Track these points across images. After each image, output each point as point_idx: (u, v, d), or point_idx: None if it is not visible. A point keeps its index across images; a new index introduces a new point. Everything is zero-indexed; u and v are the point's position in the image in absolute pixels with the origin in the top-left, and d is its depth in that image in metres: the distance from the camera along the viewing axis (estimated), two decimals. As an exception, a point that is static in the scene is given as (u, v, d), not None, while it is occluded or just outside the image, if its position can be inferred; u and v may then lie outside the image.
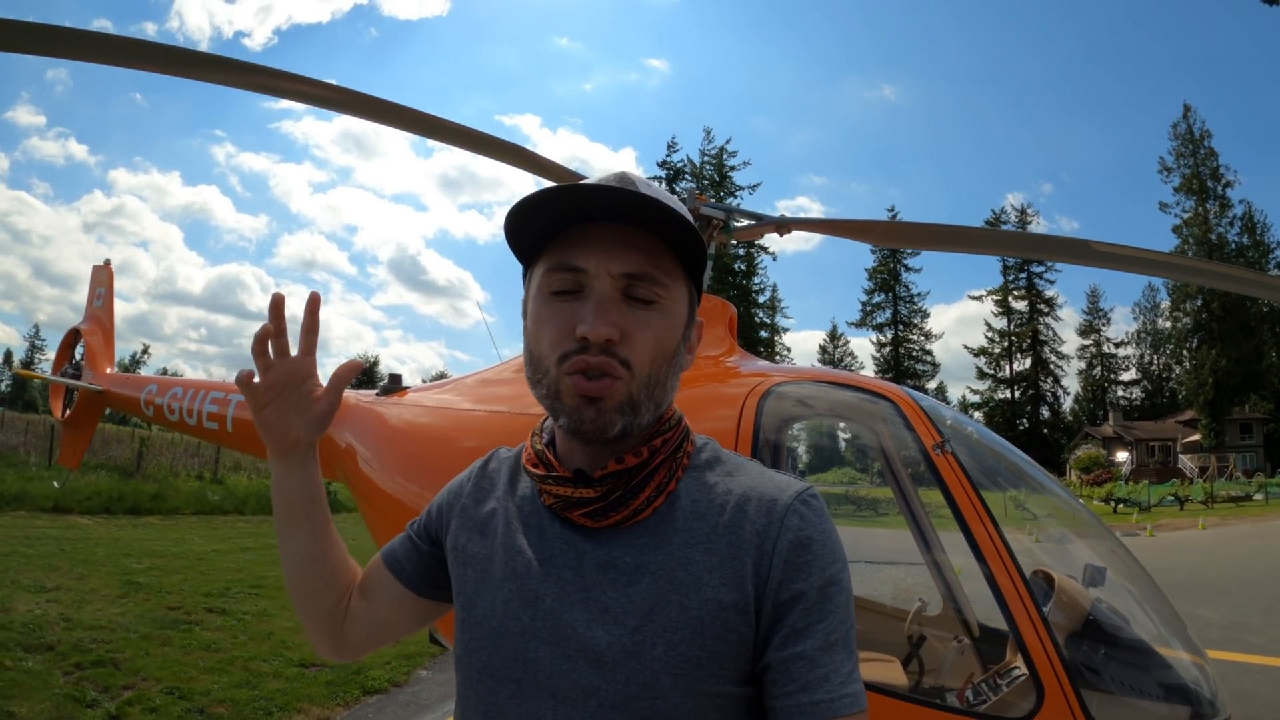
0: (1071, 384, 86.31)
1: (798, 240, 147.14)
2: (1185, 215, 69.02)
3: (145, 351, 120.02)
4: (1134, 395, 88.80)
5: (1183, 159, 69.63)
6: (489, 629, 1.07)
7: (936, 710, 2.57)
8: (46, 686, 5.69)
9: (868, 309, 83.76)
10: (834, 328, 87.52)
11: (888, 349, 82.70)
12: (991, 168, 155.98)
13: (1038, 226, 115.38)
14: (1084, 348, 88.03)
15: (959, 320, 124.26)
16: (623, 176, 1.07)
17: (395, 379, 4.10)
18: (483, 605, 1.09)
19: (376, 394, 4.09)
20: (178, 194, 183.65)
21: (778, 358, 74.38)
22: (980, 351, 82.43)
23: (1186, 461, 63.41)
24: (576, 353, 1.02)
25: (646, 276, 1.04)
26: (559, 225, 1.05)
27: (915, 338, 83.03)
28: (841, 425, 3.68)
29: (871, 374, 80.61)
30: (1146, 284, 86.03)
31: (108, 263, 8.00)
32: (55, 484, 15.61)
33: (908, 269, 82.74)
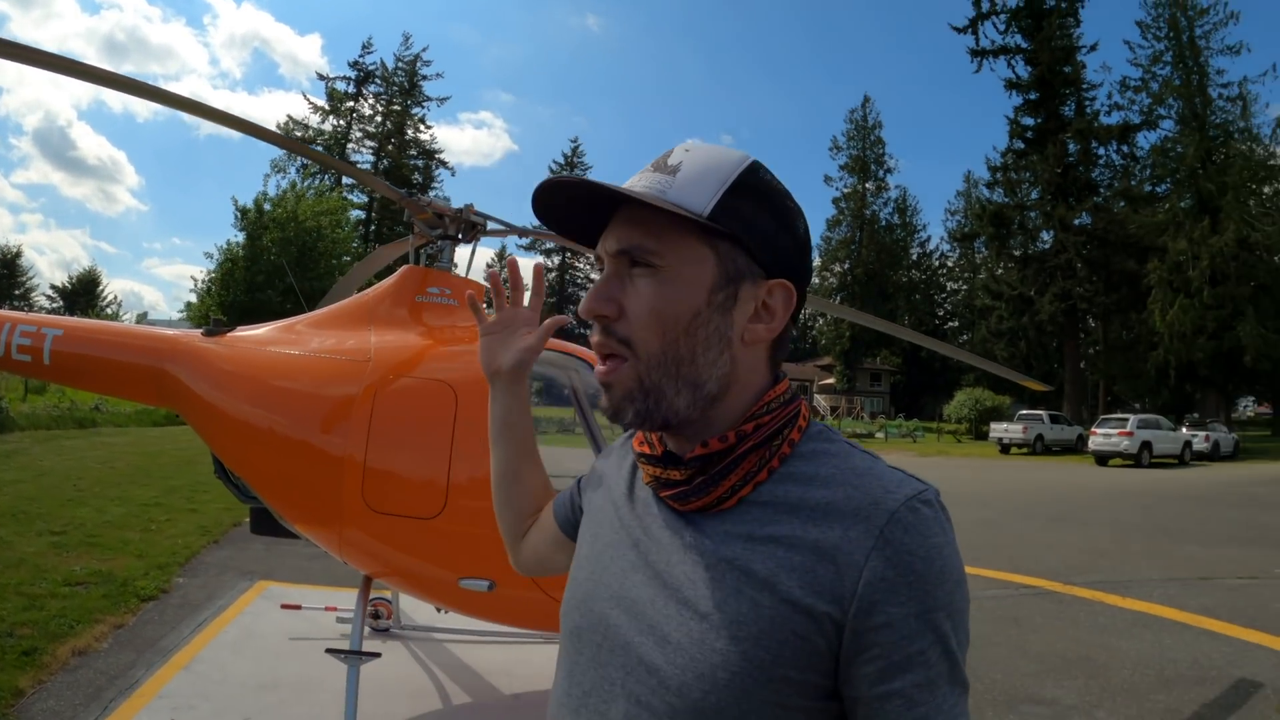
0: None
1: (477, 156, 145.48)
2: (845, 190, 77.41)
3: None
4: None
5: (853, 141, 77.70)
6: (584, 591, 1.08)
7: None
8: None
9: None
10: (503, 247, 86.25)
11: (554, 274, 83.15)
12: (676, 110, 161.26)
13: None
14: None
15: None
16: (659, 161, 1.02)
17: (220, 323, 4.59)
18: (587, 567, 1.11)
19: (202, 334, 4.49)
20: None
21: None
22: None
23: (821, 401, 71.42)
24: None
25: (638, 247, 0.98)
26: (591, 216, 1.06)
27: (582, 265, 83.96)
28: (558, 375, 5.02)
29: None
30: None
31: None
32: None
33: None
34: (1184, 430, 34.15)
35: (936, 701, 0.84)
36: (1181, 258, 42.81)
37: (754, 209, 0.99)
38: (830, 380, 74.32)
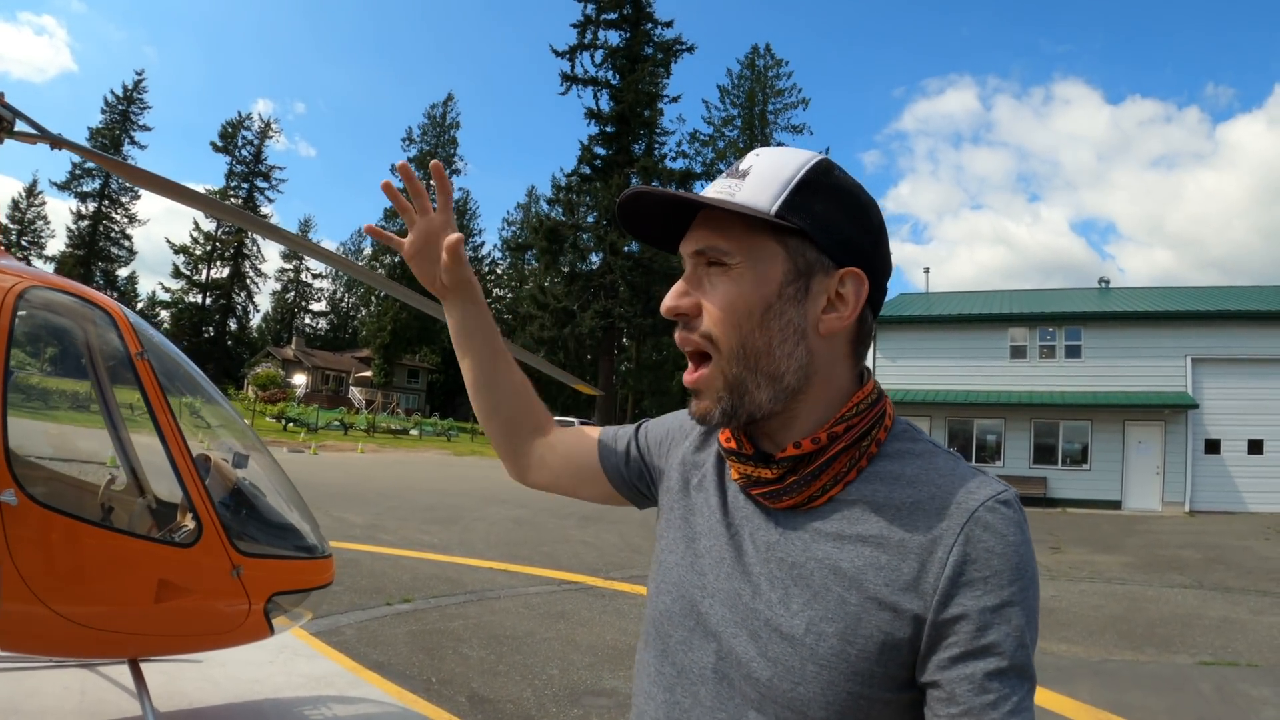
0: (264, 302, 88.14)
1: (28, 68, 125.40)
2: None
3: None
4: (320, 325, 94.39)
5: (428, 136, 78.52)
6: (675, 576, 1.12)
7: (142, 539, 3.51)
8: None
9: (77, 174, 73.94)
10: (34, 182, 76.30)
11: (87, 223, 74.62)
12: (258, 67, 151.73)
13: (276, 144, 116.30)
14: (284, 271, 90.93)
15: (170, 211, 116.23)
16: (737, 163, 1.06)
17: None
18: (678, 553, 1.14)
19: None
20: None
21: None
22: (182, 249, 78.46)
23: (356, 393, 69.91)
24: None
25: (712, 248, 1.01)
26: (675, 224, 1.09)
27: (120, 217, 76.10)
28: (67, 325, 3.88)
29: (64, 245, 72.79)
30: (356, 229, 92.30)
31: None
32: None
33: (132, 141, 76.02)
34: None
35: (1005, 691, 0.86)
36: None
37: (822, 204, 1.00)
38: (368, 374, 72.98)
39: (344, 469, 23.60)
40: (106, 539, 3.29)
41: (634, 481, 1.33)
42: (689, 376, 1.04)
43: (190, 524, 3.46)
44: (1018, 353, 26.00)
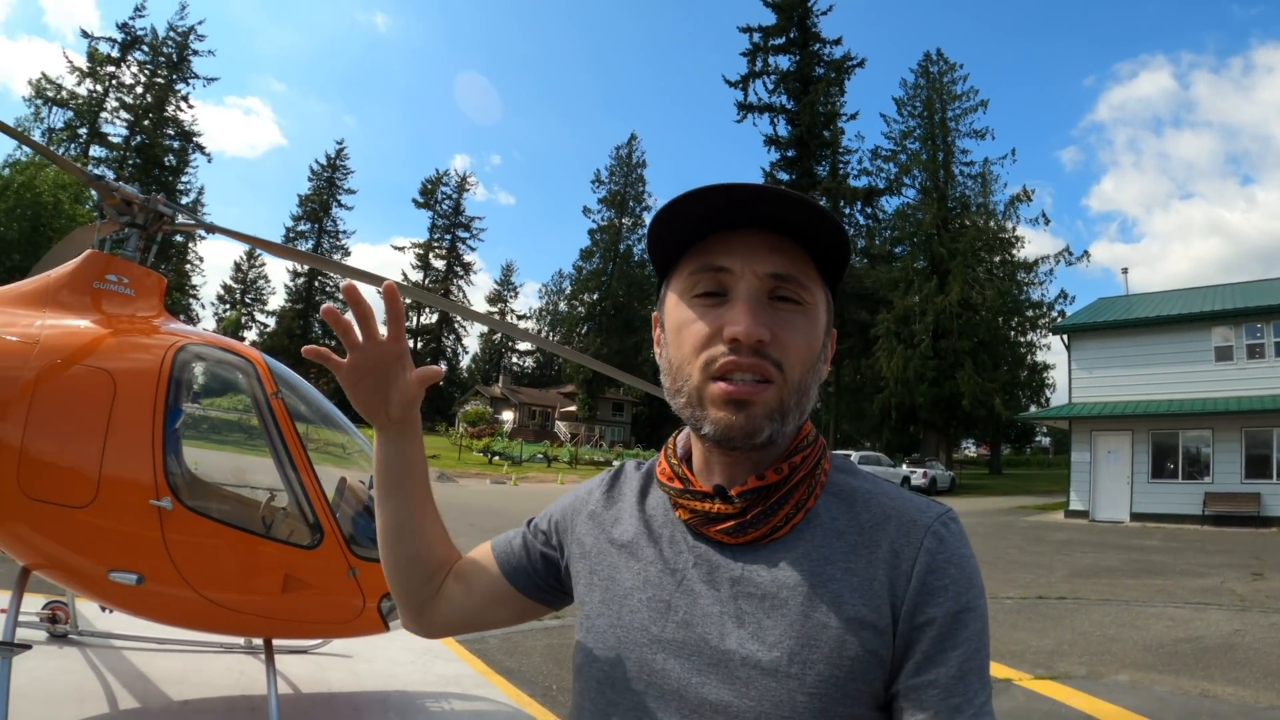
0: (472, 344, 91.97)
1: (240, 145, 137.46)
2: (602, 223, 78.94)
3: None
4: (527, 364, 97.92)
5: (615, 176, 79.80)
6: (614, 638, 1.05)
7: (277, 542, 4.12)
8: None
9: (291, 236, 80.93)
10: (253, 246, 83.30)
11: (303, 280, 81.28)
12: (449, 125, 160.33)
13: (475, 195, 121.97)
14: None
15: (378, 264, 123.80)
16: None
17: None
18: (609, 615, 1.07)
19: None
20: None
21: (188, 267, 69.47)
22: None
23: (562, 427, 72.45)
24: (725, 356, 0.97)
25: (792, 278, 0.99)
26: (701, 230, 1.02)
27: (332, 273, 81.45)
28: (215, 371, 4.78)
29: (283, 301, 78.99)
30: (556, 270, 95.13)
31: None
32: None
33: (339, 204, 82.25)
34: (903, 467, 37.82)
35: (969, 693, 0.90)
36: (911, 311, 47.56)
37: (844, 270, 1.06)
38: (572, 408, 75.07)
39: (538, 498, 24.33)
40: (243, 539, 3.98)
41: (543, 575, 1.25)
42: (746, 390, 0.97)
43: (314, 531, 4.09)
44: (1223, 354, 23.36)
